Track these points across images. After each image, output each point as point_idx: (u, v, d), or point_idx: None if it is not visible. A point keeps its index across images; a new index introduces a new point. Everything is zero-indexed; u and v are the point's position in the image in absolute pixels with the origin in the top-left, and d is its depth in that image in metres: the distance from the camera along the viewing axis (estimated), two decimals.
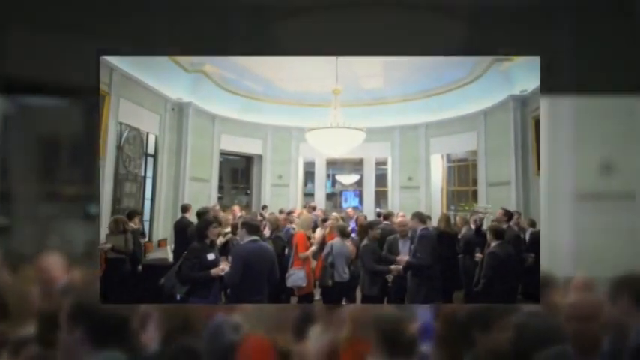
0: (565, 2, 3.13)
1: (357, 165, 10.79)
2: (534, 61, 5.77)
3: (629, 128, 3.32)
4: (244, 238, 2.90)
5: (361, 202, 10.40)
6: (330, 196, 11.78)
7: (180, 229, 4.68)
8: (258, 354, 1.46)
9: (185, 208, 5.08)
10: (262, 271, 2.82)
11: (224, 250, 4.18)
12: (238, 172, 10.77)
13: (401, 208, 8.20)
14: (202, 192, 8.17)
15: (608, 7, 3.06)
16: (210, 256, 2.90)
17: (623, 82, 3.07)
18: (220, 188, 9.75)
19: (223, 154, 9.20)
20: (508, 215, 4.40)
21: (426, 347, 1.59)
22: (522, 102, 6.85)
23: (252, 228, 2.91)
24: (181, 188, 7.59)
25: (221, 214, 4.89)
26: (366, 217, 5.44)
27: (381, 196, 10.29)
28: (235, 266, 2.75)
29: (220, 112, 8.56)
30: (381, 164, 10.23)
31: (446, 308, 1.84)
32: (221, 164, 9.26)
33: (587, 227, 3.24)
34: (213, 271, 2.80)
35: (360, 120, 6.70)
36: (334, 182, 12.56)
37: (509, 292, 3.45)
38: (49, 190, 2.73)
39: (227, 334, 1.54)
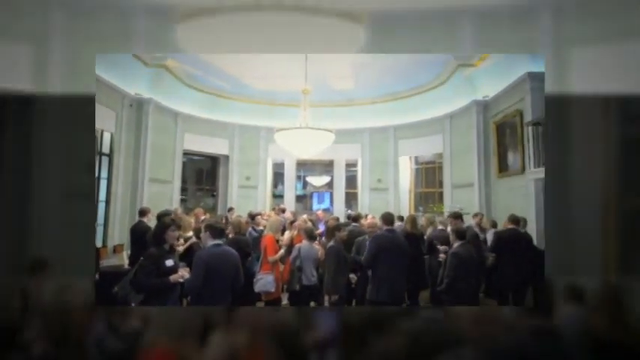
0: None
1: (327, 166, 10.75)
2: (495, 68, 6.11)
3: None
4: (208, 242, 2.75)
5: (331, 203, 10.36)
6: (300, 198, 11.64)
7: (138, 233, 4.34)
8: None
9: (143, 212, 4.73)
10: (226, 276, 2.67)
11: (188, 256, 3.92)
12: (204, 173, 10.31)
13: (370, 209, 8.25)
14: (163, 194, 7.71)
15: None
16: (169, 262, 2.68)
17: None
18: (184, 190, 9.28)
19: (187, 153, 8.77)
20: (458, 217, 4.51)
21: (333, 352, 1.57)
22: (485, 107, 7.15)
23: (217, 231, 2.76)
24: (140, 190, 7.11)
25: (183, 217, 4.61)
26: (338, 219, 5.34)
27: (351, 198, 10.32)
28: (197, 272, 2.58)
29: (184, 110, 8.14)
30: (351, 166, 10.26)
31: (347, 311, 1.82)
32: (185, 165, 8.81)
33: None
34: (172, 278, 2.59)
35: (329, 121, 6.65)
36: (305, 184, 12.43)
37: (471, 291, 3.50)
38: None
39: (110, 342, 1.45)
